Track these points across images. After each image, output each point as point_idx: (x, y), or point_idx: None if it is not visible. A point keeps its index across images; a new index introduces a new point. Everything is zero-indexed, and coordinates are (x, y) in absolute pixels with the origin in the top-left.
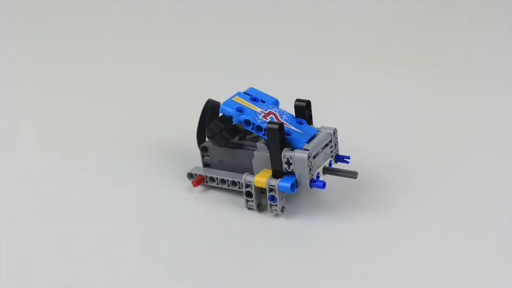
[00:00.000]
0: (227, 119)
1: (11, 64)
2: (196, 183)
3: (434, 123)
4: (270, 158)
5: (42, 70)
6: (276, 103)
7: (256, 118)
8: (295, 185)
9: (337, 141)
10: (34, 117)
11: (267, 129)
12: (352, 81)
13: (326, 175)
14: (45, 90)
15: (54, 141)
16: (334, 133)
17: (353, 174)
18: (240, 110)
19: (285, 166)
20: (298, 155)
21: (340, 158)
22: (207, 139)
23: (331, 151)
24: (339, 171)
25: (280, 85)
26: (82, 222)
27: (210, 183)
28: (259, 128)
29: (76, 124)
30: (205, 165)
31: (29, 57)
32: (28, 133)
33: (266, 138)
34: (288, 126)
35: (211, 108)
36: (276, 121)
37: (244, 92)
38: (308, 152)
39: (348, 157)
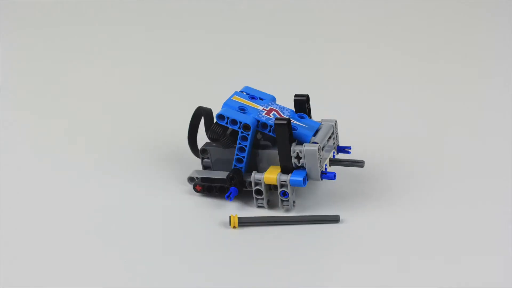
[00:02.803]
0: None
1: (12, 65)
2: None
3: (435, 116)
4: (279, 154)
5: (40, 73)
6: (273, 99)
7: (260, 116)
8: (306, 179)
9: (337, 133)
10: (33, 119)
11: (276, 125)
12: (342, 74)
13: (332, 166)
14: (44, 93)
15: (53, 144)
16: (335, 124)
17: (360, 163)
18: (243, 109)
19: (294, 160)
20: (308, 149)
21: (341, 149)
22: (204, 143)
23: (333, 143)
24: (346, 161)
25: (266, 82)
26: (82, 225)
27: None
28: (264, 126)
29: (76, 127)
30: (205, 167)
31: (28, 59)
32: (25, 136)
33: (272, 135)
34: (293, 121)
35: (205, 115)
36: (281, 117)
37: (241, 91)
38: (317, 145)
39: (350, 147)
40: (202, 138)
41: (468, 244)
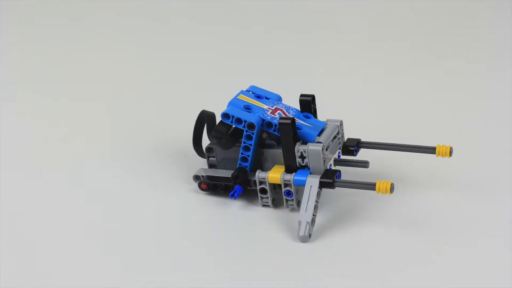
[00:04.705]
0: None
1: (12, 62)
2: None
3: (444, 118)
4: (283, 153)
5: (42, 71)
6: (279, 99)
7: (266, 115)
8: None
9: (343, 133)
10: (35, 116)
11: (280, 124)
12: (349, 75)
13: (337, 166)
14: (47, 91)
15: (56, 144)
16: (341, 125)
17: (365, 164)
18: (248, 108)
19: (298, 160)
20: (312, 148)
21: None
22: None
23: (339, 143)
24: (350, 161)
25: (273, 81)
26: (86, 224)
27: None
28: (269, 125)
29: (80, 126)
30: (211, 166)
31: (29, 56)
32: (27, 133)
33: (277, 134)
34: (298, 121)
35: (208, 119)
36: (286, 116)
37: (247, 90)
38: (322, 144)
39: (356, 148)
40: (206, 140)
41: (468, 247)
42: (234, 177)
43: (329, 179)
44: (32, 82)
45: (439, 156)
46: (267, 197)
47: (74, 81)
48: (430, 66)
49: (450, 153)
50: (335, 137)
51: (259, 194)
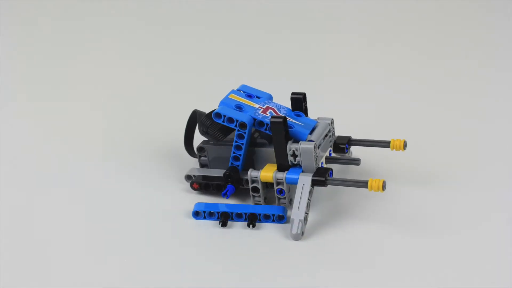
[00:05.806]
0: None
1: (12, 61)
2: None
3: (437, 116)
4: (275, 152)
5: (39, 71)
6: (270, 98)
7: (257, 114)
8: None
9: (334, 131)
10: (32, 115)
11: (272, 123)
12: (340, 73)
13: (328, 164)
14: (44, 91)
15: (58, 143)
16: (332, 123)
17: (356, 161)
18: (239, 107)
19: (290, 158)
20: (304, 147)
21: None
22: (201, 141)
23: (330, 141)
24: (342, 159)
25: (263, 80)
26: (78, 223)
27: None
28: (260, 124)
29: (74, 125)
30: (202, 165)
31: (27, 57)
32: (25, 132)
33: (269, 133)
34: (289, 119)
35: (199, 118)
36: (277, 115)
37: (238, 90)
38: (313, 143)
39: (346, 145)
40: (198, 138)
41: (463, 245)
42: (226, 176)
43: (321, 177)
44: (32, 82)
45: (394, 150)
46: (259, 196)
47: (74, 81)
48: (429, 66)
49: (404, 147)
50: (326, 135)
51: (251, 193)
